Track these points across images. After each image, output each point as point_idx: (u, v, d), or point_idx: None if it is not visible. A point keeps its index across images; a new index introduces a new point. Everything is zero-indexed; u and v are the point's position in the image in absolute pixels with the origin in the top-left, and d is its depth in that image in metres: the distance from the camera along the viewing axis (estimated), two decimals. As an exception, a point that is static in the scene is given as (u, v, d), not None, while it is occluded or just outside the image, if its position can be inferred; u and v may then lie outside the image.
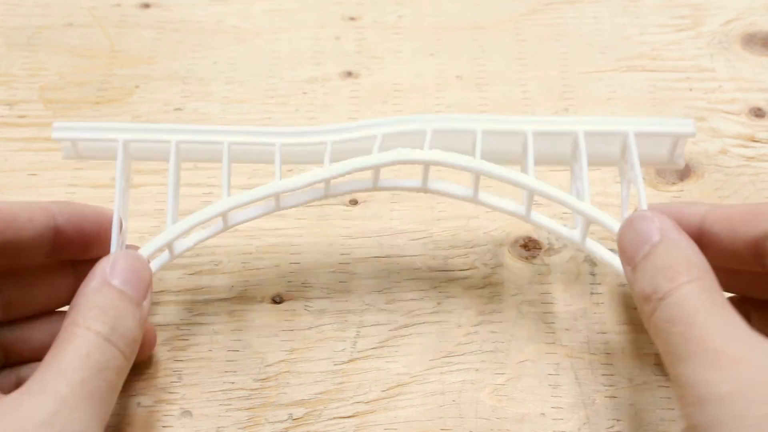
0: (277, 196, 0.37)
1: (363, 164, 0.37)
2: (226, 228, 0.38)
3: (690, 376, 0.29)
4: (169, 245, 0.37)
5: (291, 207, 0.38)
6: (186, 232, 0.37)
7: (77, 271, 0.37)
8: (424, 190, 0.39)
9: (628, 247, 0.34)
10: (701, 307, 0.30)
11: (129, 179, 0.39)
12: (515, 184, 0.37)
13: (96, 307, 0.33)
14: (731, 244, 0.34)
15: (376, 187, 0.39)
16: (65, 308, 0.35)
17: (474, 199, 0.39)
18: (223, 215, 0.37)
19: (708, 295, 0.31)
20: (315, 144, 0.38)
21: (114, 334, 0.32)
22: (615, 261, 0.37)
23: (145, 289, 0.34)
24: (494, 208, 0.39)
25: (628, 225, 0.34)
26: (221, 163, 0.38)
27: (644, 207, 0.36)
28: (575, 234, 0.38)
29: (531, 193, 0.38)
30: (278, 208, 0.38)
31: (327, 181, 0.37)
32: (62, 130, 0.38)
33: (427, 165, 0.38)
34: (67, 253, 0.36)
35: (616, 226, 0.36)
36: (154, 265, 0.37)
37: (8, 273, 0.36)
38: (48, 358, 0.32)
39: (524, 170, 0.38)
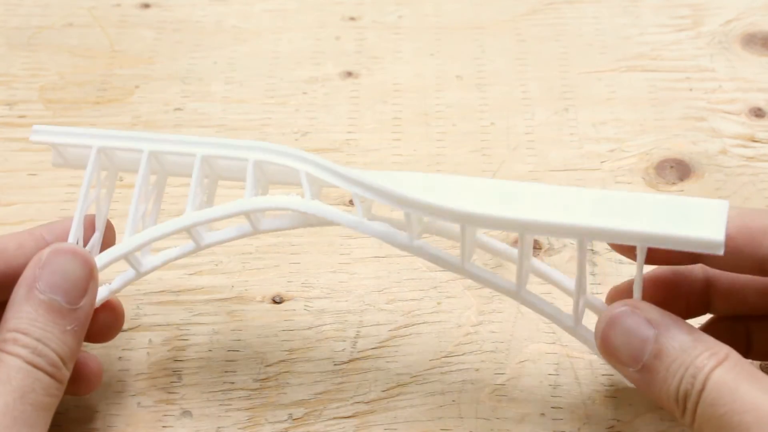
0: (248, 214, 0.35)
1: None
2: (198, 249, 0.36)
3: None
4: (132, 260, 0.36)
5: (269, 231, 0.36)
6: (148, 246, 0.35)
7: None
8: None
9: (625, 349, 0.32)
10: (739, 380, 0.30)
11: (111, 186, 0.37)
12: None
13: (16, 328, 0.31)
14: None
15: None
16: None
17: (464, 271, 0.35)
18: (189, 231, 0.35)
19: (741, 368, 0.31)
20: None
21: (37, 356, 0.31)
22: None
23: (80, 290, 0.32)
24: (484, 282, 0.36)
25: (613, 326, 0.33)
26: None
27: (637, 294, 0.34)
28: (567, 318, 0.35)
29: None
30: (255, 230, 0.36)
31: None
32: (41, 134, 0.36)
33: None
34: None
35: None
36: (117, 282, 0.36)
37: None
38: None
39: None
